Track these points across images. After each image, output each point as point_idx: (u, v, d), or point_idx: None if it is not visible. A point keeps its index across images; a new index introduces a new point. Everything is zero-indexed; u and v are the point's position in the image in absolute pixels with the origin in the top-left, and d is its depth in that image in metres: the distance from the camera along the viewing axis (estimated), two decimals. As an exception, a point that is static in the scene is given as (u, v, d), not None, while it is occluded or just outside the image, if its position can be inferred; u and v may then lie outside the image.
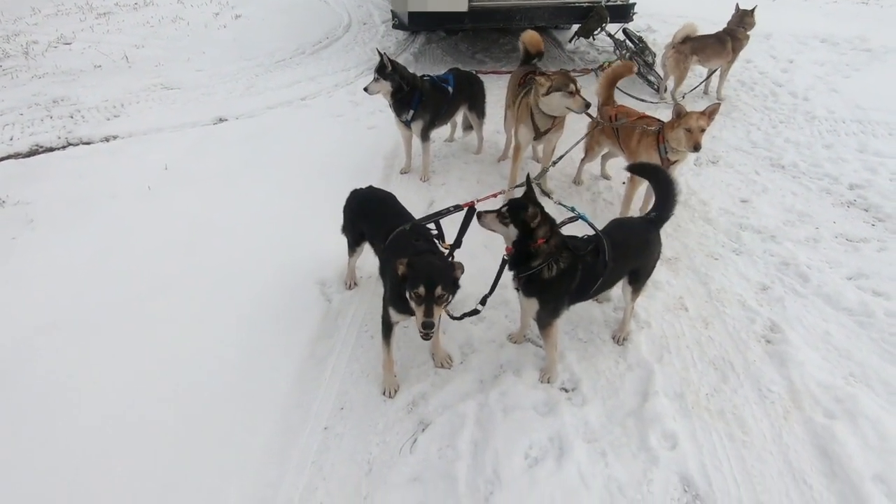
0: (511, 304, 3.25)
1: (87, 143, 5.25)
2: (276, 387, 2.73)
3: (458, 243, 2.82)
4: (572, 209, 2.89)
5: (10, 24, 9.01)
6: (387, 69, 4.18)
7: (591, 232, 2.74)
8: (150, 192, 4.39)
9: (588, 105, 3.71)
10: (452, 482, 2.29)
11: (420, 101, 4.31)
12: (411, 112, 4.34)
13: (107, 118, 5.76)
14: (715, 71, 6.26)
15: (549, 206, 2.97)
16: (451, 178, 4.72)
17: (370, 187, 3.18)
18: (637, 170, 3.29)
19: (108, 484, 2.27)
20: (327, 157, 4.97)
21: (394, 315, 2.56)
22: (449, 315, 2.58)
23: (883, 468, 2.29)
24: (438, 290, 2.22)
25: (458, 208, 3.03)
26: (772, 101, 6.21)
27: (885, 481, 2.25)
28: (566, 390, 2.75)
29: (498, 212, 2.53)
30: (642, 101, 5.45)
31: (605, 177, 4.75)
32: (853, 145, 5.11)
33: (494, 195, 3.19)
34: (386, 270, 2.60)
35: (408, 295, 2.28)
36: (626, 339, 3.01)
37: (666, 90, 6.42)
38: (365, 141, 5.33)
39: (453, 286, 2.33)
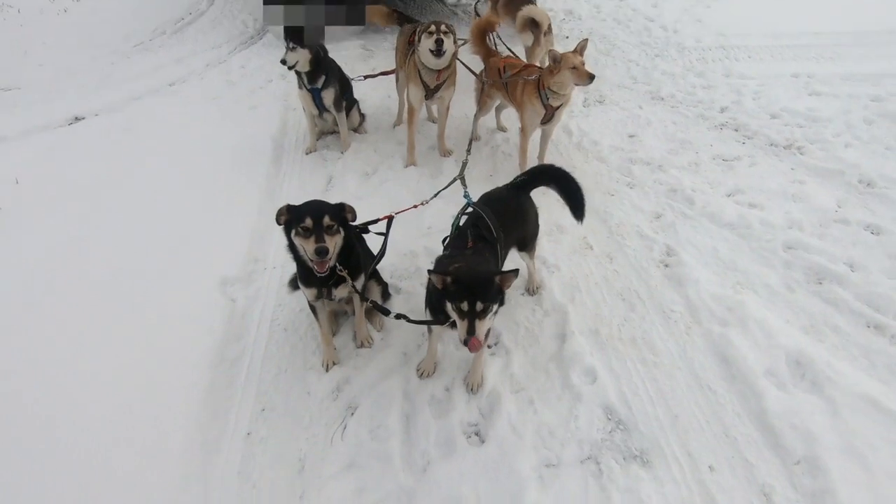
0: (422, 274, 3.21)
1: None
2: (186, 400, 2.52)
3: (382, 253, 2.81)
4: (465, 195, 2.86)
5: None
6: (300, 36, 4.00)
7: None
8: (1, 213, 3.83)
9: (440, 43, 3.67)
10: (388, 461, 2.25)
11: (329, 70, 4.23)
12: (322, 79, 4.17)
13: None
14: None
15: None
16: (347, 150, 4.52)
17: None
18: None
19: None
20: (209, 146, 4.57)
21: (305, 292, 2.57)
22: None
23: (771, 363, 2.54)
24: (326, 220, 2.27)
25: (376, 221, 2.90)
26: (646, 36, 6.49)
27: (775, 374, 2.49)
28: (489, 346, 2.78)
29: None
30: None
31: (501, 129, 4.76)
32: (720, 71, 5.49)
33: (415, 206, 3.09)
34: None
35: (293, 233, 2.30)
36: (539, 288, 3.08)
37: None
38: (248, 123, 4.95)
39: (340, 219, 2.37)
